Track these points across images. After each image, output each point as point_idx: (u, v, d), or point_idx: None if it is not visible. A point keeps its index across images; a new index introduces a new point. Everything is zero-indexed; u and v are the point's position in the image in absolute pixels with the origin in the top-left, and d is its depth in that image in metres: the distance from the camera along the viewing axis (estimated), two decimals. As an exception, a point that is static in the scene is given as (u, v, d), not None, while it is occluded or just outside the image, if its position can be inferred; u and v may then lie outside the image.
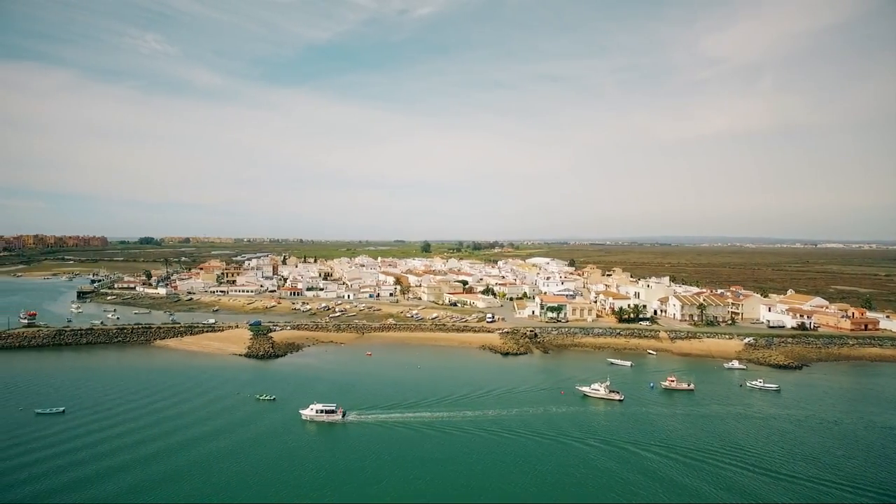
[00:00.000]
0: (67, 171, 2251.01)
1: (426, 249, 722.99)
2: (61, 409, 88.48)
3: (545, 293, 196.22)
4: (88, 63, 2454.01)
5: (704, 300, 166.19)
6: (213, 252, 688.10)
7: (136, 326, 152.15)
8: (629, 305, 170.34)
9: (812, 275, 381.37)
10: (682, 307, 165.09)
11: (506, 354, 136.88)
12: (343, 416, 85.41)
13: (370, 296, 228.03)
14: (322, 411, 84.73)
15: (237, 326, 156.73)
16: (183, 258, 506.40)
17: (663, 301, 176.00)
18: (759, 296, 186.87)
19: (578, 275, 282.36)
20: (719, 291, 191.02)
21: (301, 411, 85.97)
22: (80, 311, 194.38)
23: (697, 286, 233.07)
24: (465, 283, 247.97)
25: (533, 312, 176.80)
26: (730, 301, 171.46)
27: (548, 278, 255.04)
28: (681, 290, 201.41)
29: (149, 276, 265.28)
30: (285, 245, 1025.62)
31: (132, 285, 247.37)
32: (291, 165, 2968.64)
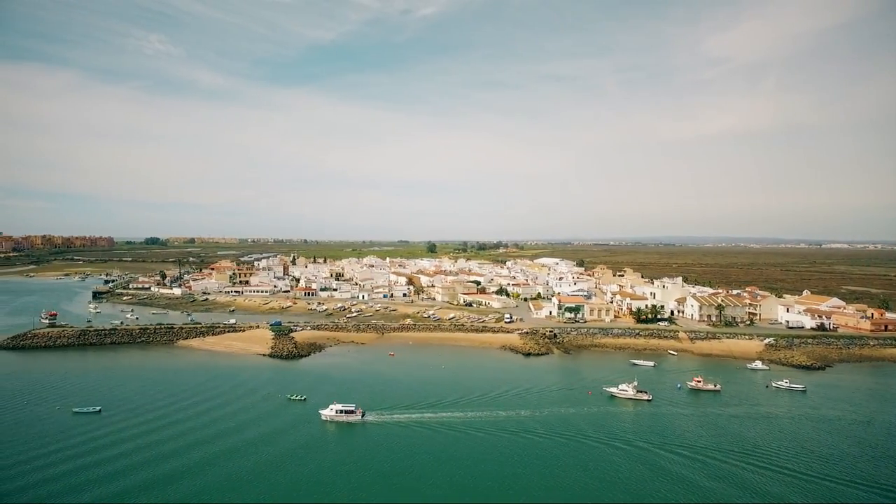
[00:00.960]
0: (70, 172, 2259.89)
1: (432, 250, 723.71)
2: (97, 408, 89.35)
3: (561, 293, 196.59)
4: (92, 64, 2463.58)
5: (722, 301, 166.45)
6: (219, 252, 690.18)
7: (158, 326, 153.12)
8: (647, 306, 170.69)
9: (821, 275, 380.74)
10: (700, 308, 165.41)
11: (527, 355, 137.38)
12: (362, 416, 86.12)
13: (384, 296, 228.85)
14: (342, 411, 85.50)
15: (258, 327, 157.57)
16: (190, 258, 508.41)
17: (680, 301, 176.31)
18: (776, 296, 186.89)
19: (589, 275, 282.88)
20: (735, 292, 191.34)
21: (321, 412, 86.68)
22: (98, 311, 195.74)
23: (710, 286, 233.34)
24: (477, 283, 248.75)
25: (550, 313, 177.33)
26: (747, 302, 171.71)
27: (560, 279, 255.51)
28: (695, 290, 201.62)
29: (163, 276, 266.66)
30: (289, 245, 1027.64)
31: (147, 285, 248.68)
32: (293, 166, 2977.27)
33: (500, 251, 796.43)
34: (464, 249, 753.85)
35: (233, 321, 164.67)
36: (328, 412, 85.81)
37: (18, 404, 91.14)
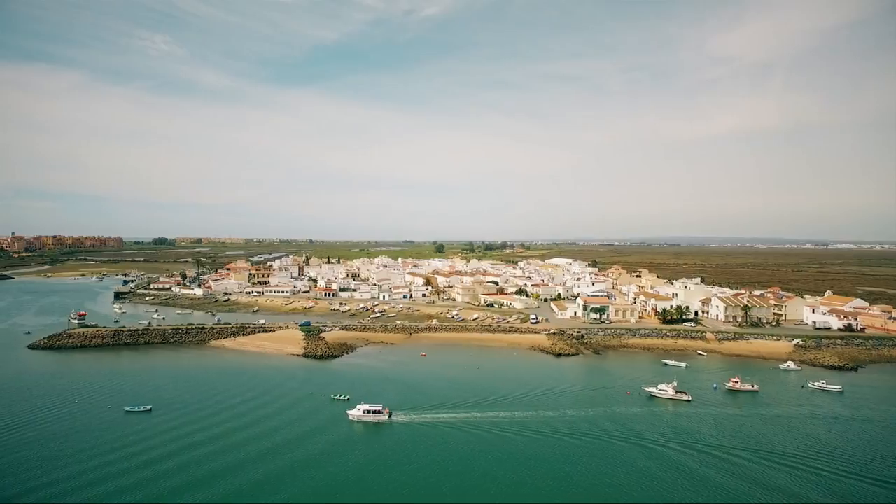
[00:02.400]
0: (74, 172, 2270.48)
1: (440, 250, 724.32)
2: (148, 407, 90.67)
3: (587, 294, 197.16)
4: (98, 64, 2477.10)
5: (748, 302, 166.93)
6: (228, 253, 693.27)
7: (189, 327, 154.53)
8: (672, 307, 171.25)
9: (834, 276, 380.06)
10: (726, 308, 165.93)
11: (558, 355, 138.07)
12: (389, 416, 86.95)
13: (404, 296, 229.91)
14: (369, 412, 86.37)
15: (287, 327, 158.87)
16: (201, 258, 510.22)
17: (705, 302, 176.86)
18: (801, 297, 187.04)
19: (603, 276, 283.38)
20: (758, 293, 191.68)
21: (348, 412, 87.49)
22: (123, 311, 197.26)
23: (730, 287, 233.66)
24: (495, 283, 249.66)
25: (575, 314, 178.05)
26: (772, 302, 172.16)
27: (578, 279, 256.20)
28: (716, 291, 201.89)
29: (184, 276, 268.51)
30: (295, 245, 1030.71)
31: (167, 286, 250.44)
32: (296, 166, 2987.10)
33: (507, 251, 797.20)
34: (471, 250, 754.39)
35: (262, 321, 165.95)
36: (355, 412, 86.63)
37: (69, 403, 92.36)
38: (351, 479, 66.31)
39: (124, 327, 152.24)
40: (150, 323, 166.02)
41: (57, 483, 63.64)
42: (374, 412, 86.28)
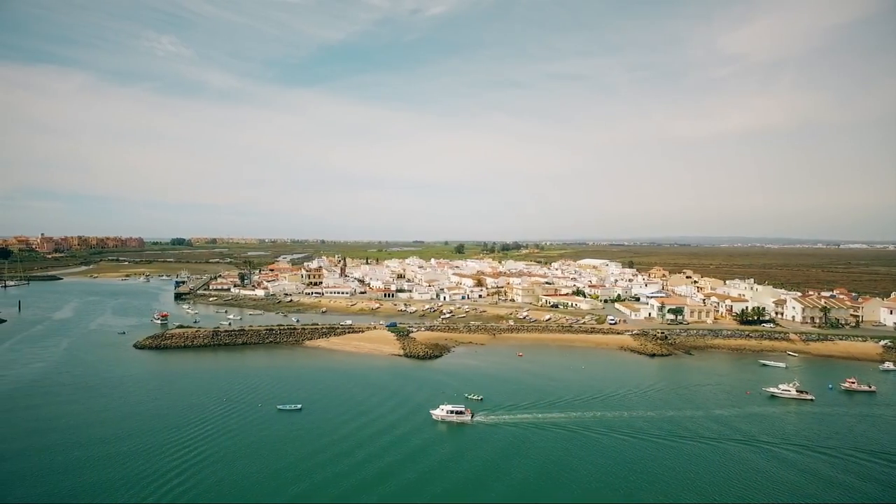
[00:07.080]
0: (81, 173, 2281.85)
1: (460, 251, 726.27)
2: (298, 406, 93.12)
3: (646, 295, 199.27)
4: (105, 66, 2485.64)
5: (826, 303, 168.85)
6: (248, 253, 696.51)
7: (281, 327, 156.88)
8: (749, 308, 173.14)
9: (868, 276, 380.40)
10: (804, 310, 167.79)
11: (652, 356, 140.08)
12: (472, 417, 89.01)
13: (462, 297, 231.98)
14: (452, 412, 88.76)
15: (375, 328, 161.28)
16: (228, 259, 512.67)
17: (778, 303, 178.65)
18: (880, 298, 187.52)
19: (647, 277, 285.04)
20: (827, 294, 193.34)
21: (431, 412, 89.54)
22: (196, 312, 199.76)
23: (785, 289, 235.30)
24: (549, 284, 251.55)
25: (649, 315, 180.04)
26: (849, 303, 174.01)
27: (630, 280, 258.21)
28: (781, 292, 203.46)
29: (242, 277, 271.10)
30: (310, 246, 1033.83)
31: (225, 286, 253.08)
32: (302, 166, 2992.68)
33: (524, 252, 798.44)
34: (491, 250, 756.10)
35: (349, 322, 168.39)
36: (439, 412, 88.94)
37: (219, 402, 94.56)
38: (483, 476, 68.36)
39: (219, 327, 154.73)
40: (230, 323, 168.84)
41: (274, 478, 66.34)
42: (457, 412, 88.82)
